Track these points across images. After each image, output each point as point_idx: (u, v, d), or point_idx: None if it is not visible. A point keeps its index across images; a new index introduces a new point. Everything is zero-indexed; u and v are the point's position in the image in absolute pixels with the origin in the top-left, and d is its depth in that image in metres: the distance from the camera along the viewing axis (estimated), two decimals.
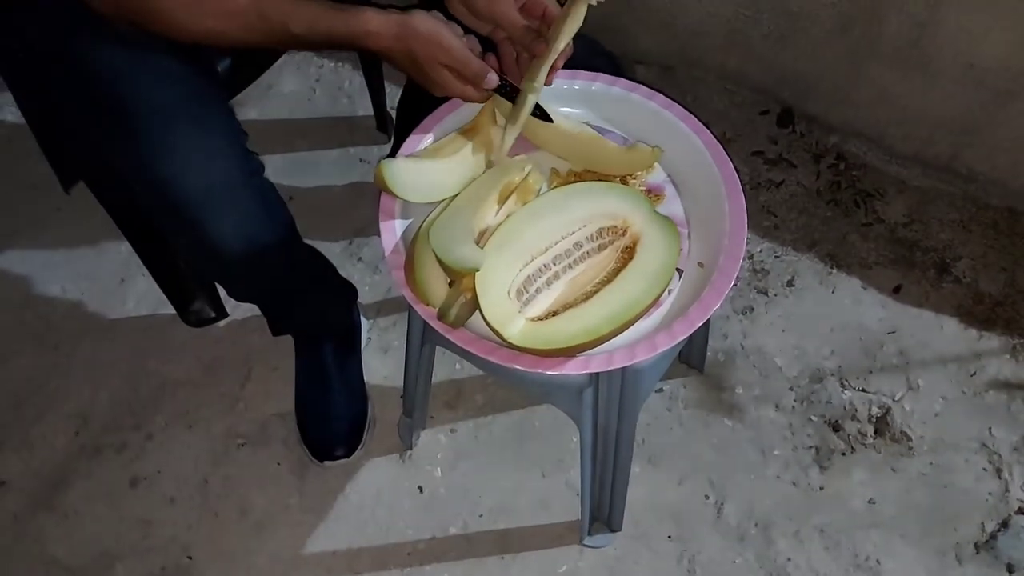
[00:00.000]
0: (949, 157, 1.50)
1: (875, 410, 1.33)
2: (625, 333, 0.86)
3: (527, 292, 0.86)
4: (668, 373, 1.36)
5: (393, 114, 1.48)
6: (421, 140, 0.98)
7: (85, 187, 1.36)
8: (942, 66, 1.38)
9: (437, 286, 0.87)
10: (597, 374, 0.93)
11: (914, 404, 1.34)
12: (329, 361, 1.29)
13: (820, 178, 1.56)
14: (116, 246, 1.52)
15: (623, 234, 0.90)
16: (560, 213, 0.89)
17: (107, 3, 0.79)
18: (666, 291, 0.90)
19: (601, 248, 0.90)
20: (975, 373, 1.36)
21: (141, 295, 1.48)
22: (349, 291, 1.31)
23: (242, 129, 0.98)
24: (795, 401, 1.35)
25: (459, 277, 0.85)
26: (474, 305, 0.85)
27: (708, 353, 1.37)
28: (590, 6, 0.88)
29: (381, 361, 1.40)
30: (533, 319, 0.85)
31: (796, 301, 1.44)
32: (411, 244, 0.91)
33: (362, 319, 1.39)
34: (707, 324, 1.30)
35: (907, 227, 1.50)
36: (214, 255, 0.97)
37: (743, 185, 0.94)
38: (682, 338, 0.86)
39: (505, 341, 0.83)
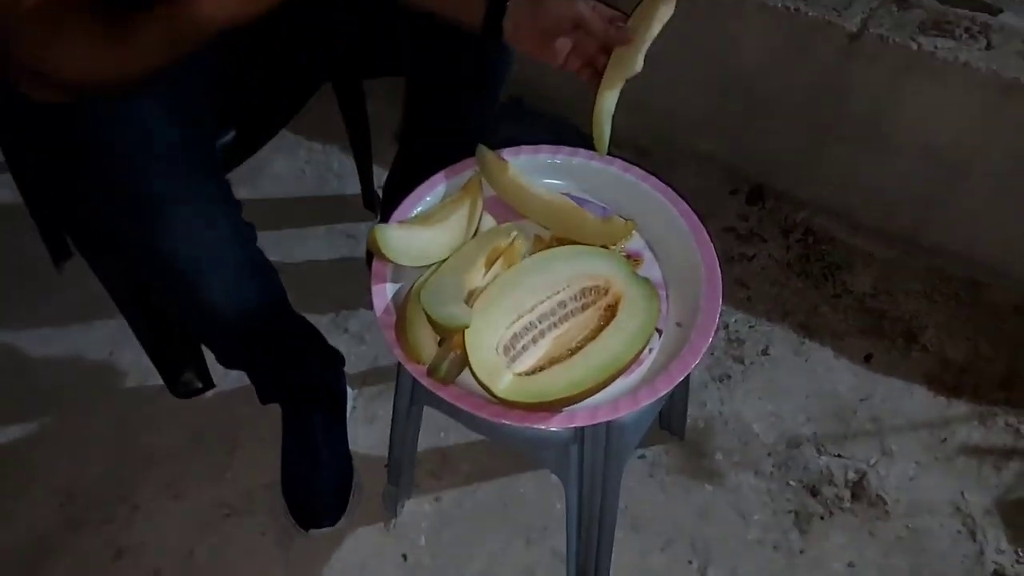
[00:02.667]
0: (911, 231, 1.58)
1: (851, 475, 1.36)
2: (608, 389, 0.89)
3: (514, 349, 0.90)
4: (649, 440, 1.39)
5: (380, 192, 1.54)
6: (412, 207, 1.03)
7: (75, 265, 1.41)
8: (900, 144, 1.47)
9: (427, 344, 0.91)
10: (582, 431, 0.96)
11: (889, 468, 1.37)
12: (316, 429, 1.31)
13: (790, 251, 1.63)
14: (105, 321, 1.54)
15: (605, 294, 0.94)
16: (545, 274, 0.94)
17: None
18: (647, 350, 0.94)
19: (584, 308, 0.94)
20: (945, 439, 1.40)
21: (129, 367, 1.50)
22: (336, 358, 1.34)
23: (236, 200, 1.02)
24: (773, 466, 1.38)
25: (449, 334, 0.89)
26: (463, 361, 0.89)
27: (688, 420, 1.40)
28: None
29: (366, 430, 1.42)
30: (520, 374, 0.88)
31: (771, 369, 1.49)
32: (401, 305, 0.95)
33: (348, 388, 1.42)
34: (686, 390, 1.35)
35: (875, 298, 1.57)
36: (208, 319, 1.00)
37: (717, 259, 0.99)
38: (663, 393, 0.90)
39: (494, 396, 0.86)
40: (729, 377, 1.48)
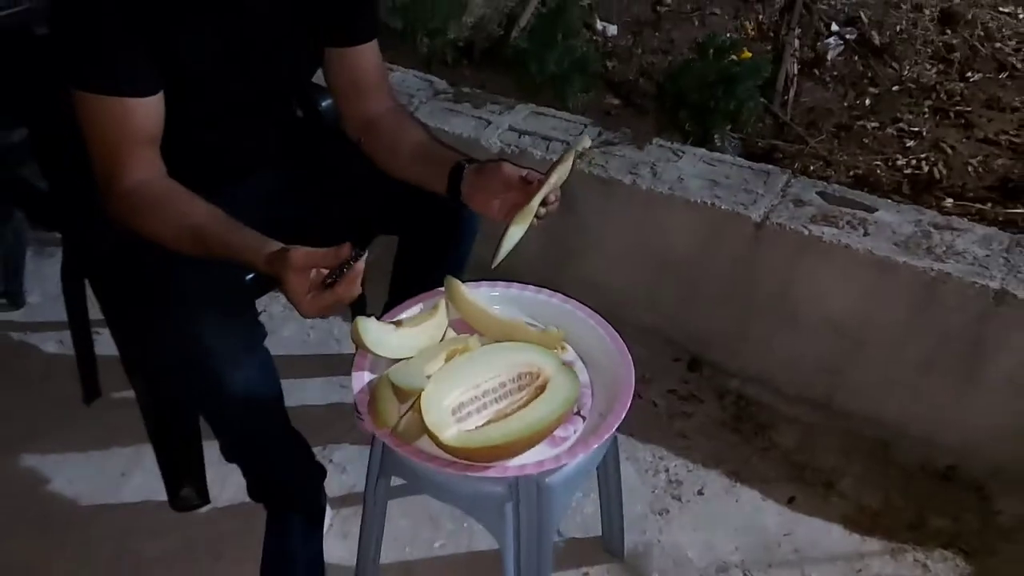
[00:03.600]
0: (826, 397, 1.82)
1: None
2: (536, 453, 1.12)
3: (461, 412, 1.13)
4: (592, 559, 1.55)
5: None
6: (392, 318, 1.30)
7: (100, 401, 1.65)
8: (806, 318, 1.76)
9: (392, 414, 1.14)
10: (516, 491, 1.17)
11: None
12: (295, 530, 1.48)
13: (725, 411, 1.86)
14: (121, 448, 1.76)
15: (537, 378, 1.19)
16: (491, 359, 1.19)
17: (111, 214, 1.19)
18: (572, 431, 1.17)
19: (521, 388, 1.18)
20: (860, 570, 1.56)
21: (138, 487, 1.69)
22: (320, 471, 1.54)
23: (254, 307, 1.30)
24: None
25: (409, 399, 1.13)
26: (420, 424, 1.11)
27: (628, 545, 1.57)
28: (575, 158, 1.26)
29: (339, 544, 1.58)
30: (464, 430, 1.11)
31: (705, 506, 1.67)
32: (373, 387, 1.19)
33: (327, 506, 1.60)
34: (620, 514, 1.53)
35: (798, 452, 1.78)
36: (222, 405, 1.24)
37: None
38: (580, 456, 1.12)
39: (440, 444, 1.08)
40: (668, 511, 1.66)
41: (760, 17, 2.75)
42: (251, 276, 1.40)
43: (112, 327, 1.41)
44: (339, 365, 1.96)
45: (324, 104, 1.56)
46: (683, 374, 1.94)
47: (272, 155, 1.45)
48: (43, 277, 2.18)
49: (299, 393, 1.88)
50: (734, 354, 1.91)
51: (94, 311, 1.67)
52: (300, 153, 1.49)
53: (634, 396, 1.18)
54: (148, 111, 1.21)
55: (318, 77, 1.45)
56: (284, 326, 2.06)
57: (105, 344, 1.78)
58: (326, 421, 1.83)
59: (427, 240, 1.46)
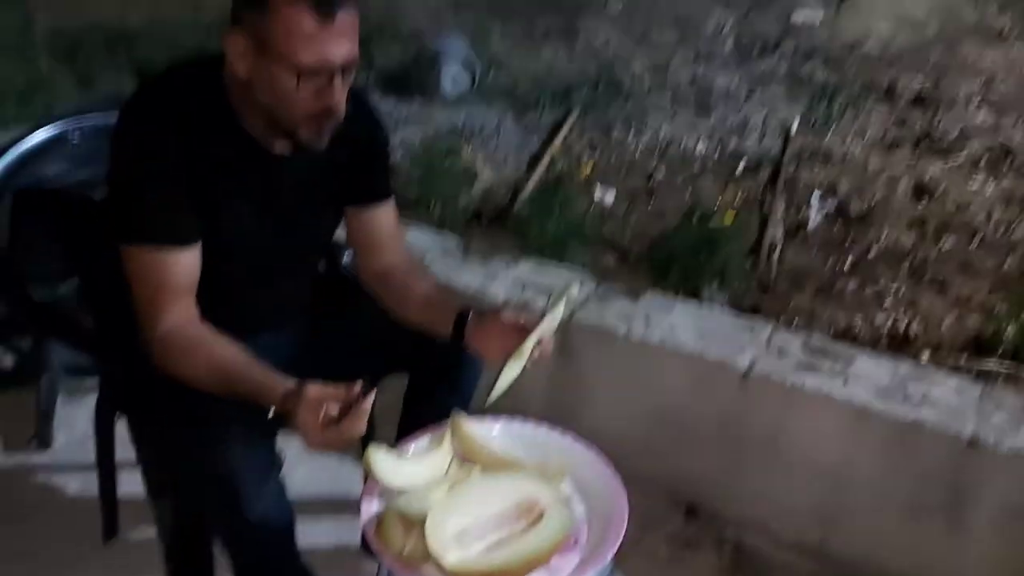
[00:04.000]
0: (820, 543, 1.88)
1: None
2: None
3: (463, 539, 1.22)
4: None
5: None
6: (400, 450, 1.41)
7: (118, 541, 1.74)
8: (795, 464, 1.84)
9: (398, 539, 1.23)
10: None
11: None
12: None
13: (722, 559, 1.91)
14: None
15: (535, 508, 1.28)
16: (491, 489, 1.29)
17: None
18: (569, 561, 1.25)
19: (519, 517, 1.27)
20: None
21: None
22: None
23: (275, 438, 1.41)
24: None
25: (414, 525, 1.22)
26: (424, 549, 1.20)
27: None
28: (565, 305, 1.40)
29: None
30: (466, 556, 1.19)
31: None
32: (381, 514, 1.28)
33: None
34: None
35: None
36: (240, 524, 1.33)
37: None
38: None
39: (443, 570, 1.16)
40: None
41: (747, 189, 2.99)
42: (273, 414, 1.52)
43: (144, 448, 1.52)
44: (347, 507, 2.03)
45: (345, 258, 1.73)
46: (681, 521, 2.00)
47: (297, 306, 1.61)
48: (70, 422, 2.29)
49: (309, 532, 1.93)
50: (730, 500, 1.97)
51: (119, 451, 1.79)
52: (322, 302, 1.65)
53: (633, 543, 1.26)
54: (186, 262, 1.37)
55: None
56: (296, 468, 2.14)
57: (125, 484, 1.88)
58: (332, 560, 1.88)
59: (434, 379, 1.59)
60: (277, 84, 1.27)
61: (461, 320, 1.44)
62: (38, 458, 2.18)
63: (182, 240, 1.36)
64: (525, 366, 1.39)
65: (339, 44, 1.25)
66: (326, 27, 1.23)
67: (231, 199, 1.38)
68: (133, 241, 1.35)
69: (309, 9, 1.21)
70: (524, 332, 1.39)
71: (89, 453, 2.11)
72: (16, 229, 1.68)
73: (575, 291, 1.49)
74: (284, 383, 1.26)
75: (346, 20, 1.25)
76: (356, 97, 1.52)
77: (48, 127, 1.72)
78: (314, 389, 1.21)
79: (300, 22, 1.22)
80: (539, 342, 1.40)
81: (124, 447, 1.83)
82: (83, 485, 2.09)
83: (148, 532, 1.89)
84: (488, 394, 1.38)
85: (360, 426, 1.22)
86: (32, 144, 1.68)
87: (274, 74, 1.26)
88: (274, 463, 1.38)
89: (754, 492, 1.93)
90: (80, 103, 2.44)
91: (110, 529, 1.92)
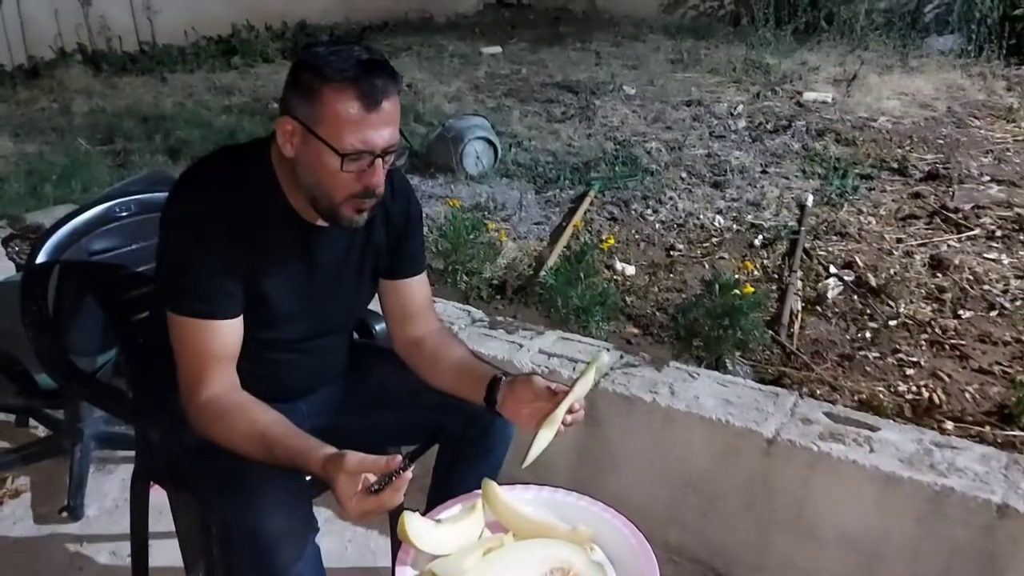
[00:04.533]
0: None
1: None
2: None
3: None
4: None
5: None
6: (434, 517, 1.43)
7: None
8: (823, 533, 1.84)
9: None
10: None
11: None
12: None
13: None
14: None
15: (567, 573, 1.29)
16: (524, 554, 1.31)
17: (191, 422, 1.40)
18: None
19: None
20: None
21: None
22: None
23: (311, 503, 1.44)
24: None
25: None
26: None
27: None
28: (596, 372, 1.43)
29: None
30: None
31: None
32: None
33: None
34: None
35: None
36: None
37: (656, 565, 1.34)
38: None
39: None
40: None
41: (765, 261, 3.04)
42: (309, 478, 1.55)
43: (181, 514, 1.55)
44: None
45: (378, 328, 1.79)
46: None
47: (334, 372, 1.66)
48: (101, 493, 2.32)
49: None
50: (758, 571, 1.96)
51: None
52: (357, 371, 1.69)
53: None
54: (229, 332, 1.43)
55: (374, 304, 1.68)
56: (324, 539, 2.14)
57: (154, 555, 1.90)
58: None
59: (465, 446, 1.62)
60: (321, 166, 1.34)
61: (493, 386, 1.48)
62: (69, 528, 2.20)
63: (225, 313, 1.42)
64: (560, 429, 1.42)
65: (382, 130, 1.33)
66: (370, 115, 1.31)
67: (274, 270, 1.44)
68: (179, 311, 1.41)
69: (356, 98, 1.30)
70: (556, 397, 1.42)
71: (119, 524, 2.16)
72: (59, 300, 1.75)
73: (606, 358, 1.53)
74: (324, 449, 1.29)
75: (389, 108, 1.33)
76: (393, 175, 1.60)
77: (95, 204, 1.80)
78: (354, 458, 1.24)
79: (347, 110, 1.30)
80: (571, 408, 1.43)
81: (153, 518, 1.87)
82: (113, 556, 2.11)
83: None
84: (523, 460, 1.41)
85: (397, 498, 1.24)
86: (81, 220, 1.75)
87: (319, 156, 1.33)
88: (310, 526, 1.40)
89: (782, 562, 1.92)
90: (128, 182, 2.54)
91: None
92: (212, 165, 1.45)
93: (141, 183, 2.35)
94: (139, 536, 1.83)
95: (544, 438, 1.42)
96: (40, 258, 1.69)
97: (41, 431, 2.54)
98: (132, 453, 2.01)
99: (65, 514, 2.22)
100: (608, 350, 2.18)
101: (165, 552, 1.94)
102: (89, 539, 2.16)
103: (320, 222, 1.46)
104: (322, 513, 2.18)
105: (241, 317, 1.44)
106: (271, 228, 1.43)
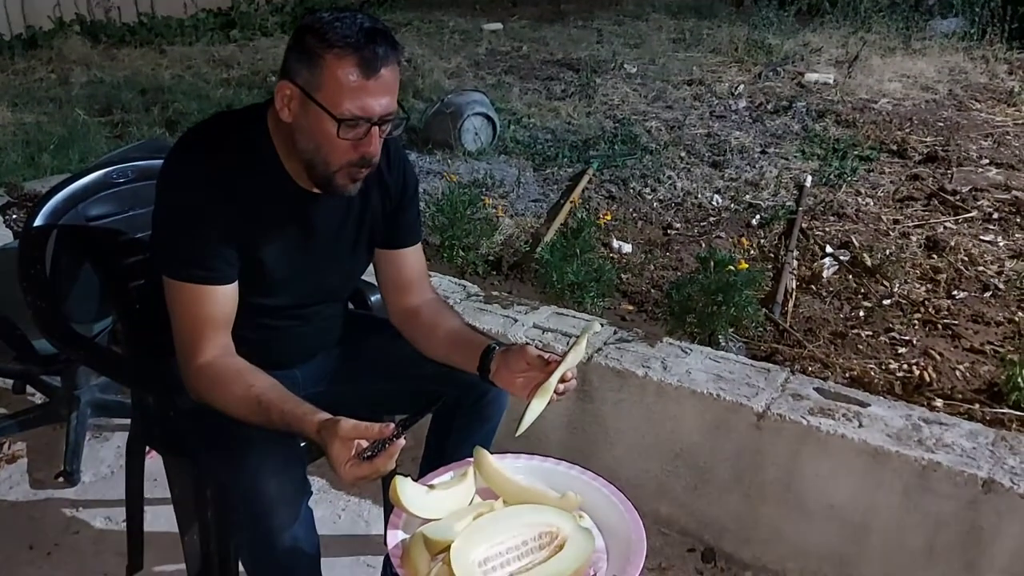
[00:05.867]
0: None
1: None
2: None
3: (486, 566, 1.25)
4: None
5: None
6: (426, 483, 1.44)
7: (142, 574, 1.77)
8: (812, 506, 1.86)
9: (423, 565, 1.26)
10: None
11: None
12: None
13: None
14: None
15: (556, 537, 1.31)
16: (514, 519, 1.32)
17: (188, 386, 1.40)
18: None
19: (541, 547, 1.30)
20: None
21: None
22: None
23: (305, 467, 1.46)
24: None
25: (439, 552, 1.26)
26: (449, 573, 1.23)
27: None
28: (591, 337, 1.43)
29: None
30: None
31: None
32: (406, 543, 1.32)
33: None
34: None
35: None
36: (270, 547, 1.36)
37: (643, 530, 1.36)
38: None
39: None
40: None
41: (762, 241, 3.05)
42: (304, 443, 1.57)
43: (176, 478, 1.57)
44: (367, 546, 2.06)
45: (373, 299, 1.80)
46: (698, 564, 2.02)
47: (329, 340, 1.67)
48: (97, 460, 2.34)
49: (327, 572, 1.96)
50: (746, 543, 1.99)
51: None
52: (352, 340, 1.70)
53: None
54: (225, 297, 1.44)
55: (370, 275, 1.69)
56: (317, 507, 2.16)
57: (148, 520, 1.92)
58: None
59: (460, 415, 1.63)
60: (318, 132, 1.35)
61: (487, 355, 1.49)
62: (65, 493, 2.22)
63: (221, 278, 1.42)
64: (553, 398, 1.44)
65: (380, 98, 1.33)
66: (369, 82, 1.31)
67: (269, 235, 1.45)
68: (175, 276, 1.41)
69: (356, 65, 1.30)
70: (549, 367, 1.43)
71: (114, 490, 2.18)
72: (57, 266, 1.76)
73: (598, 327, 1.53)
74: (318, 415, 1.31)
75: (389, 77, 1.34)
76: (390, 145, 1.61)
77: (93, 170, 1.80)
78: (348, 424, 1.26)
79: (347, 76, 1.30)
80: (563, 377, 1.44)
81: (148, 484, 1.89)
82: (108, 521, 2.13)
83: (170, 566, 1.94)
84: (516, 428, 1.42)
85: (390, 464, 1.26)
86: (78, 186, 1.76)
87: (316, 122, 1.34)
88: (304, 491, 1.42)
89: (771, 534, 1.94)
90: (125, 149, 2.54)
91: (135, 563, 1.96)
92: (208, 130, 1.45)
93: (139, 151, 2.34)
94: (134, 501, 1.85)
95: (536, 407, 1.43)
96: (37, 222, 1.70)
97: (38, 398, 2.56)
98: (128, 421, 2.04)
99: (61, 479, 2.24)
100: (603, 324, 2.20)
101: (159, 518, 1.97)
102: (85, 504, 2.18)
103: (316, 189, 1.46)
104: (316, 482, 2.23)
105: (237, 283, 1.45)
106: (267, 194, 1.43)
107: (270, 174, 1.44)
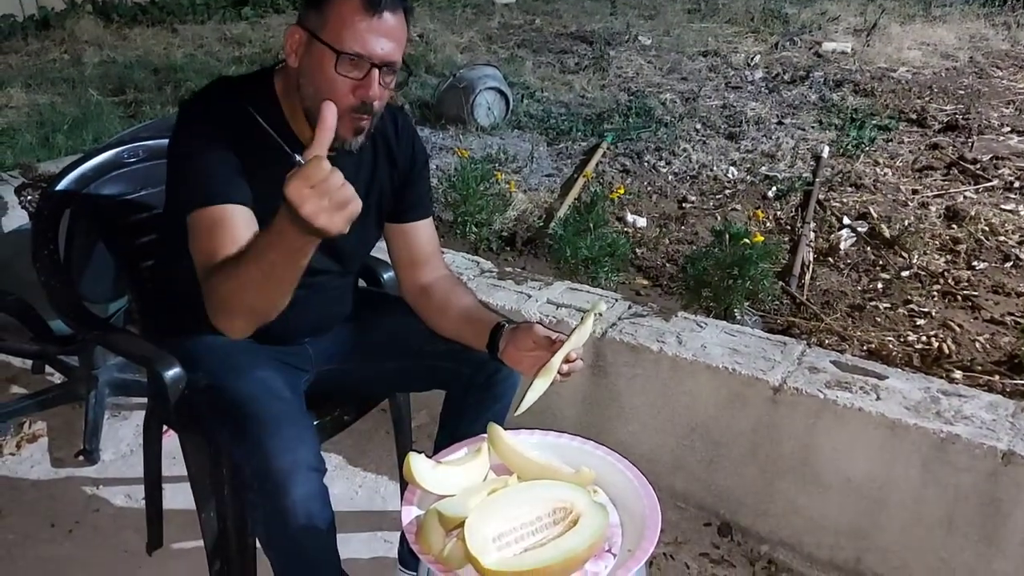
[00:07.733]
0: (855, 561, 1.87)
1: None
2: None
3: (500, 541, 1.25)
4: None
5: None
6: (440, 459, 1.44)
7: (162, 551, 1.78)
8: (828, 480, 1.85)
9: (437, 542, 1.27)
10: None
11: None
12: None
13: None
14: None
15: (570, 513, 1.31)
16: (528, 494, 1.32)
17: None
18: (603, 566, 1.28)
19: (555, 522, 1.30)
20: None
21: None
22: None
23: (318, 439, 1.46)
24: None
25: (453, 527, 1.26)
26: (463, 552, 1.23)
27: None
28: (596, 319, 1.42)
29: None
30: (503, 557, 1.23)
31: None
32: (422, 520, 1.32)
33: None
34: None
35: None
36: (286, 520, 1.37)
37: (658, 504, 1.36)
38: None
39: (482, 570, 1.20)
40: None
41: (778, 213, 3.02)
42: (318, 421, 1.57)
43: (192, 455, 1.58)
44: (383, 522, 2.07)
45: (386, 276, 1.79)
46: (714, 538, 2.01)
47: (338, 316, 1.66)
48: (117, 439, 2.36)
49: (344, 547, 1.97)
50: (763, 517, 1.98)
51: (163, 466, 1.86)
52: (364, 318, 1.70)
53: (665, 559, 1.28)
54: (243, 219, 1.38)
55: (382, 253, 1.68)
56: (334, 484, 2.19)
57: (168, 498, 1.94)
58: (368, 573, 1.92)
59: (472, 393, 1.63)
60: (319, 72, 1.35)
61: (496, 333, 1.49)
62: (86, 472, 2.25)
63: (238, 197, 1.38)
64: (553, 380, 1.43)
65: (380, 40, 1.35)
66: (371, 20, 1.33)
67: (275, 196, 1.43)
68: (195, 205, 1.37)
69: (361, 3, 1.33)
70: (554, 347, 1.43)
71: (133, 468, 2.20)
72: (70, 246, 1.76)
73: (603, 308, 1.52)
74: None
75: (391, 20, 1.35)
76: (398, 117, 1.59)
77: (104, 150, 1.80)
78: (291, 178, 1.18)
79: (351, 13, 1.33)
80: (568, 357, 1.43)
81: (167, 463, 1.90)
82: (128, 499, 2.15)
83: (190, 543, 1.96)
84: (516, 407, 1.42)
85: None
86: (90, 166, 1.75)
87: (319, 60, 1.35)
88: (319, 467, 1.42)
89: (787, 507, 1.94)
90: (136, 128, 2.54)
91: (155, 540, 1.98)
92: (218, 87, 1.46)
93: (150, 130, 2.34)
94: (152, 479, 1.86)
95: (538, 387, 1.43)
96: (49, 202, 1.70)
97: (57, 378, 2.58)
98: (145, 400, 2.04)
99: (81, 458, 2.26)
100: (614, 300, 2.18)
101: (178, 496, 1.99)
102: (105, 482, 2.21)
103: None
104: (333, 459, 2.24)
105: (251, 210, 1.40)
106: (273, 155, 1.42)
107: (276, 127, 1.43)
